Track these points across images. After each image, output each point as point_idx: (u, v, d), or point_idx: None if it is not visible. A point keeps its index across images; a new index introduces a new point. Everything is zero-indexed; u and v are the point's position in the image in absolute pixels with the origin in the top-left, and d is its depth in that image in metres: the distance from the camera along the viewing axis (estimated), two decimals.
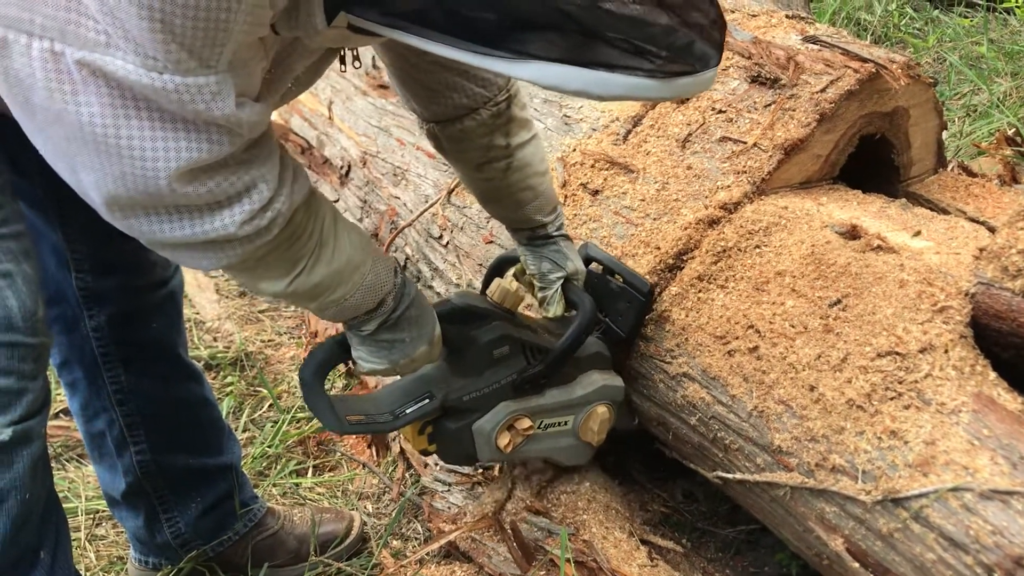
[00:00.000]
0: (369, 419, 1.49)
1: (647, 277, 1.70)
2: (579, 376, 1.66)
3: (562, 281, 1.66)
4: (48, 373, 1.29)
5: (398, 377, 1.55)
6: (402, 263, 2.27)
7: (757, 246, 1.65)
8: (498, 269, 1.76)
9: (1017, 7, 4.13)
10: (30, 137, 1.02)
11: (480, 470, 1.82)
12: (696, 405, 1.59)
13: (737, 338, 1.56)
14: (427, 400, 1.53)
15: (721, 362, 1.56)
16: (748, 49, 1.88)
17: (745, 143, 1.78)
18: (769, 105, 1.80)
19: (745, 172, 1.75)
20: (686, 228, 1.72)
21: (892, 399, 1.37)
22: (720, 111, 1.86)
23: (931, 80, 1.88)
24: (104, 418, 1.63)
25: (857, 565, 1.37)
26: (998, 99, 3.41)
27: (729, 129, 1.82)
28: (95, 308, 1.55)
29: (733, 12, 2.05)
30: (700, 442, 1.61)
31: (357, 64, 1.31)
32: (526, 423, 1.60)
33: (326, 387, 1.46)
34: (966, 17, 4.48)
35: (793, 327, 1.51)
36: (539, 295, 1.69)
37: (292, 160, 1.17)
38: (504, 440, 1.59)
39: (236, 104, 0.99)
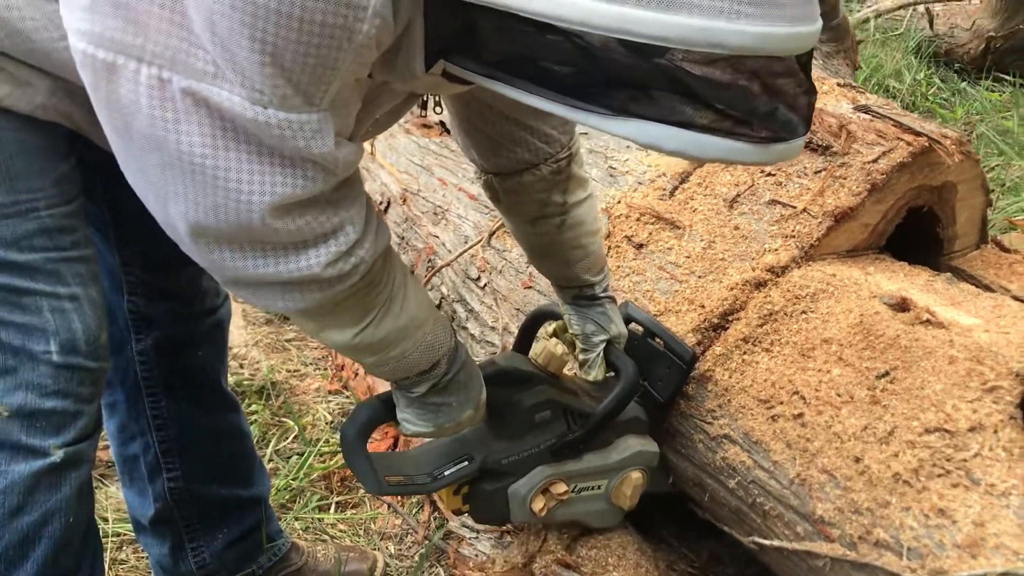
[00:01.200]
0: (408, 480, 1.48)
1: (690, 335, 1.70)
2: (616, 440, 1.65)
3: (605, 344, 1.66)
4: None
5: None
6: (437, 302, 2.27)
7: (804, 312, 1.65)
8: (535, 322, 1.75)
9: None
10: (122, 164, 1.02)
11: None
12: (736, 468, 1.58)
13: (781, 403, 1.55)
14: (466, 463, 1.52)
15: (764, 426, 1.56)
16: None
17: (794, 207, 1.79)
18: (820, 172, 1.81)
19: (793, 236, 1.76)
20: (732, 288, 1.73)
21: (940, 476, 1.36)
22: (769, 174, 1.87)
23: (978, 157, 1.89)
24: (140, 442, 1.62)
25: None
26: None
27: (778, 192, 1.83)
28: (143, 332, 1.55)
29: None
30: (738, 506, 1.60)
31: (438, 110, 1.32)
32: (562, 488, 1.60)
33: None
34: (994, 91, 4.52)
35: (839, 396, 1.51)
36: (580, 356, 1.68)
37: (376, 209, 1.18)
38: (539, 504, 1.58)
39: (335, 144, 1.00)
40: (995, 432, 1.38)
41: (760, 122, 0.94)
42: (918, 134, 1.78)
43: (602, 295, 1.66)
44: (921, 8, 5.06)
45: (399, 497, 2.06)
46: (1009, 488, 1.31)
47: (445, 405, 1.37)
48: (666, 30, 0.86)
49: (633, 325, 1.73)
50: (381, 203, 2.57)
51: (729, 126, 0.92)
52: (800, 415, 1.53)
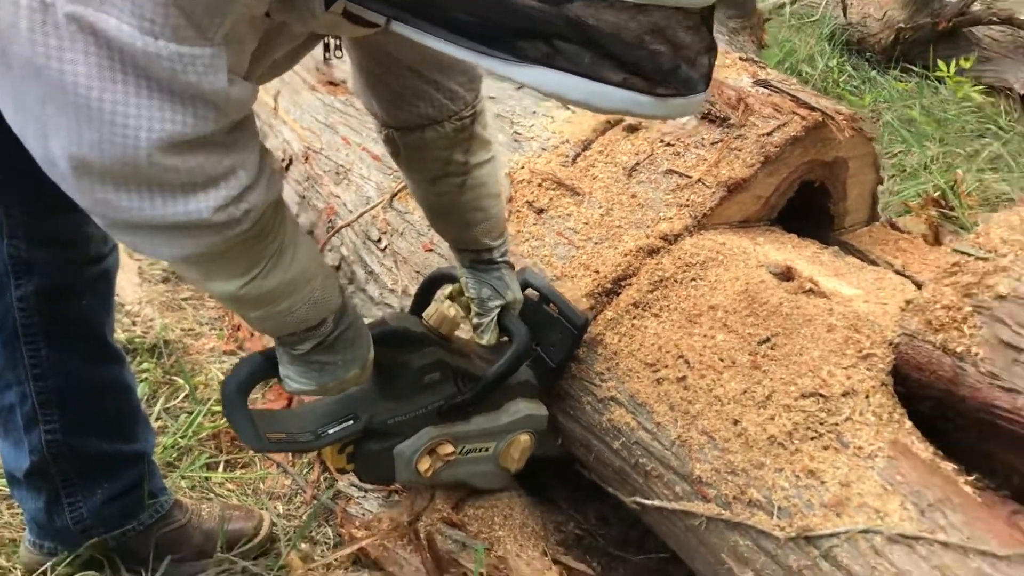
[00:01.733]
0: (290, 438, 1.46)
1: (584, 300, 1.72)
2: (505, 404, 1.66)
3: (500, 309, 1.65)
4: None
5: None
6: (337, 263, 2.24)
7: (693, 279, 1.68)
8: (432, 284, 1.74)
9: (948, 77, 4.30)
10: None
11: None
12: (621, 429, 1.60)
13: (667, 367, 1.58)
14: (351, 421, 1.50)
15: (649, 389, 1.58)
16: None
17: (690, 177, 1.81)
18: (716, 143, 1.83)
19: (688, 206, 1.78)
20: (626, 255, 1.74)
21: (812, 439, 1.40)
22: (668, 144, 1.89)
23: (872, 135, 1.94)
24: (16, 391, 1.56)
25: None
26: (926, 162, 3.55)
27: (676, 162, 1.85)
28: (23, 278, 1.48)
29: None
30: (621, 466, 1.62)
31: (339, 54, 1.29)
32: (448, 449, 1.59)
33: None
34: (901, 81, 4.65)
35: (722, 360, 1.54)
36: (475, 320, 1.67)
37: (270, 155, 1.14)
38: (424, 464, 1.57)
39: (227, 79, 0.96)
40: (867, 397, 1.42)
41: (661, 75, 0.95)
42: (813, 109, 1.81)
43: (500, 260, 1.66)
44: None
45: (289, 458, 2.03)
46: (875, 451, 1.36)
47: (330, 363, 1.35)
48: None
49: (529, 291, 1.73)
50: (283, 160, 2.52)
51: (630, 78, 0.93)
52: (684, 378, 1.55)
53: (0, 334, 1.53)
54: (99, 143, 0.95)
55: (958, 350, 1.39)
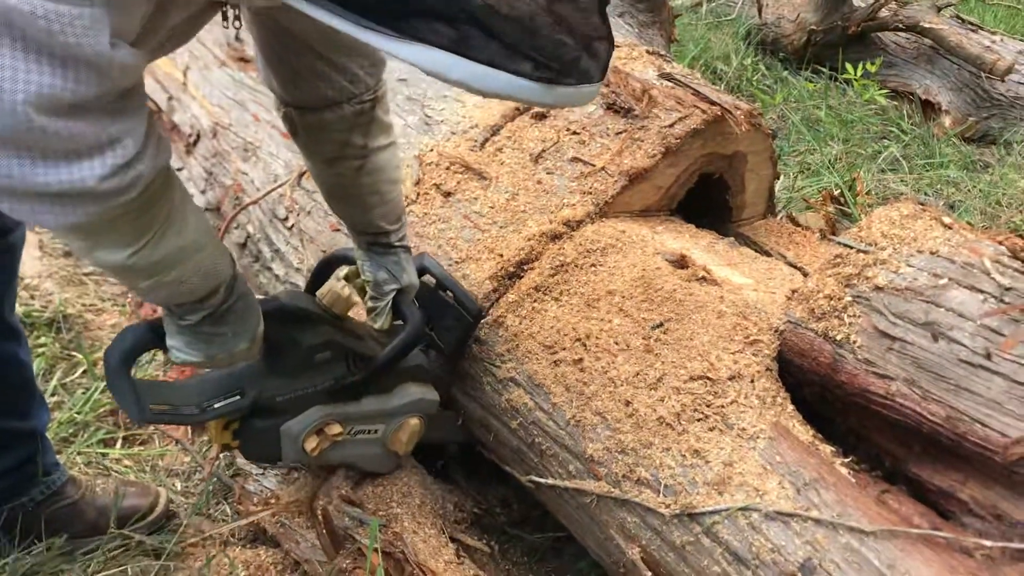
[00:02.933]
0: (173, 410, 1.43)
1: (487, 282, 1.74)
2: (396, 387, 1.66)
3: (395, 293, 1.64)
4: None
5: None
6: (243, 241, 2.22)
7: (593, 264, 1.72)
8: (329, 265, 1.72)
9: (855, 80, 4.45)
10: None
11: None
12: (519, 410, 1.63)
13: (564, 349, 1.62)
14: (238, 397, 1.48)
15: (547, 370, 1.62)
16: (607, 77, 1.96)
17: (594, 166, 1.85)
18: (620, 133, 1.88)
19: (590, 193, 1.82)
20: (529, 239, 1.77)
21: (699, 420, 1.46)
22: (575, 132, 1.92)
23: (770, 131, 2.01)
24: None
25: (650, 574, 1.44)
26: (829, 160, 3.67)
27: (581, 151, 1.89)
28: None
29: None
30: (519, 446, 1.66)
31: (238, 24, 1.28)
32: (336, 429, 1.59)
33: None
34: (811, 82, 4.79)
35: (617, 344, 1.58)
36: (369, 303, 1.66)
37: (159, 124, 1.12)
38: (311, 444, 1.57)
39: (110, 44, 0.93)
40: (752, 381, 1.48)
41: (547, 61, 0.93)
42: (713, 103, 1.87)
43: (397, 244, 1.65)
44: None
45: (188, 434, 2.01)
46: (757, 432, 1.42)
47: (219, 335, 1.34)
48: None
49: (427, 277, 1.74)
50: (190, 136, 2.49)
51: (515, 62, 0.91)
52: (580, 360, 1.59)
53: None
54: None
55: (838, 338, 1.46)
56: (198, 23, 1.25)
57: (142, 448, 2.02)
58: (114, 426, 2.06)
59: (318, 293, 1.57)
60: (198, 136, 2.48)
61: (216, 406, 1.46)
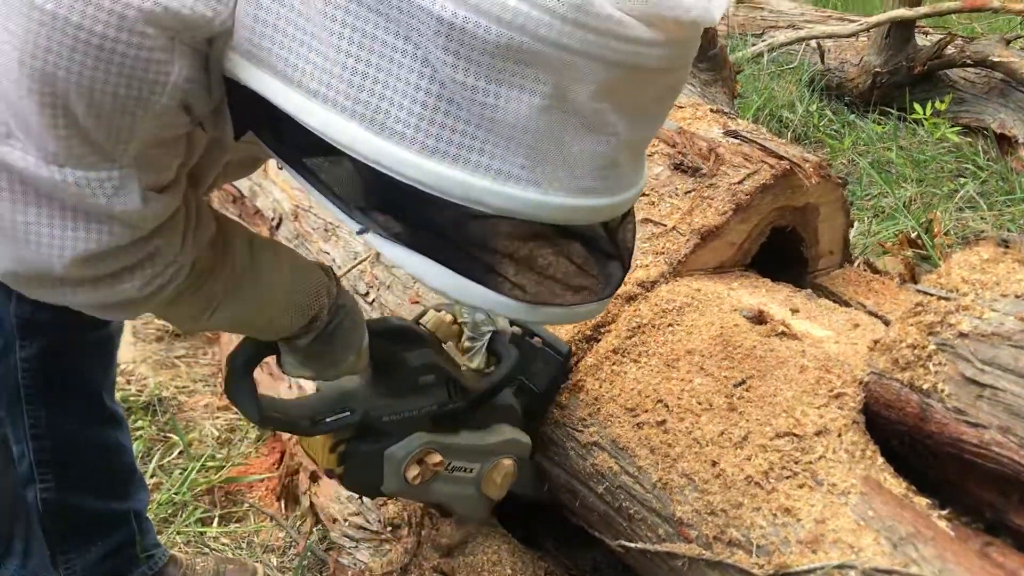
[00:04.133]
0: (288, 419, 1.47)
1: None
2: (491, 424, 1.67)
3: (491, 333, 1.67)
4: None
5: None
6: None
7: (670, 324, 1.73)
8: (422, 315, 1.73)
9: (926, 119, 4.40)
10: None
11: (388, 528, 1.83)
12: (604, 474, 1.64)
13: (646, 411, 1.62)
14: (347, 413, 1.50)
15: (630, 433, 1.62)
16: (673, 138, 1.99)
17: (665, 226, 1.87)
18: (690, 192, 1.90)
19: (663, 253, 1.84)
20: None
21: (788, 478, 1.44)
22: (643, 194, 1.95)
23: (840, 180, 2.01)
24: (16, 450, 1.60)
25: None
26: (904, 203, 3.62)
27: (651, 212, 1.92)
28: (29, 339, 1.53)
29: None
30: (606, 511, 1.66)
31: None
32: (437, 458, 1.58)
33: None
34: (879, 123, 4.75)
35: (700, 404, 1.58)
36: (466, 343, 1.68)
37: (194, 202, 1.13)
38: (413, 472, 1.56)
39: (141, 199, 0.97)
40: (839, 436, 1.47)
41: (530, 283, 0.91)
42: (781, 157, 1.88)
43: None
44: (813, 43, 5.29)
45: (283, 510, 2.06)
46: (848, 487, 1.40)
47: (328, 352, 1.37)
48: (424, 175, 0.84)
49: (514, 327, 1.76)
50: (273, 219, 2.59)
51: (495, 278, 0.90)
52: (663, 422, 1.60)
53: (3, 393, 1.58)
54: (19, 259, 0.99)
55: (924, 387, 1.44)
56: (256, 161, 1.32)
57: (238, 525, 2.07)
58: (211, 505, 2.12)
59: (422, 319, 1.62)
60: (280, 219, 2.58)
61: (327, 420, 1.48)
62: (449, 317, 1.60)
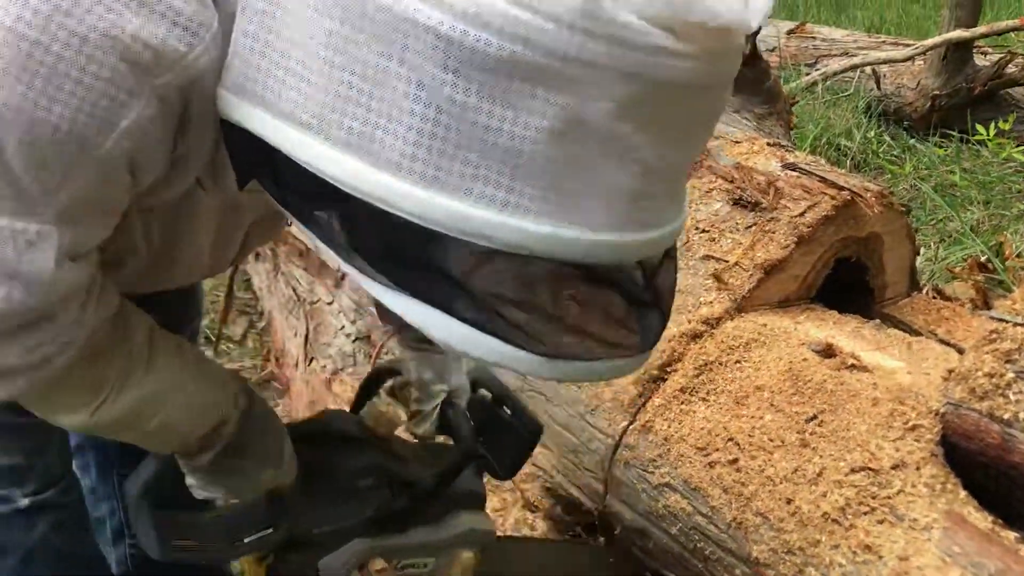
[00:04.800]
0: (200, 546, 1.29)
1: (631, 387, 1.76)
2: (446, 515, 1.47)
3: (443, 396, 1.45)
4: None
5: None
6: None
7: (738, 361, 1.71)
8: (377, 378, 1.52)
9: (989, 140, 4.32)
10: None
11: None
12: (677, 515, 1.62)
13: (717, 450, 1.61)
14: (271, 530, 1.29)
15: (702, 473, 1.61)
16: (731, 174, 1.99)
17: (727, 261, 1.86)
18: (750, 227, 1.89)
19: (727, 289, 1.83)
20: (670, 341, 1.79)
21: (866, 514, 1.41)
22: (703, 231, 1.95)
23: (904, 208, 1.98)
24: (107, 506, 1.65)
25: None
26: (971, 226, 3.55)
27: (712, 248, 1.91)
28: None
29: (717, 139, 2.16)
30: (680, 552, 1.64)
31: None
32: (379, 564, 1.40)
33: None
34: (940, 147, 4.67)
35: (771, 441, 1.56)
36: (413, 406, 1.45)
37: (99, 274, 0.99)
38: None
39: (55, 262, 0.86)
40: (917, 469, 1.43)
41: (550, 333, 0.79)
42: (841, 188, 1.86)
43: None
44: (868, 70, 5.24)
45: None
46: (931, 522, 1.36)
47: (239, 467, 1.20)
48: (422, 208, 0.74)
49: (482, 391, 1.53)
50: (339, 270, 2.64)
51: (506, 327, 0.78)
52: (735, 460, 1.58)
53: (94, 450, 1.63)
54: None
55: (1005, 416, 1.40)
56: (277, 224, 1.26)
57: None
58: None
59: (362, 412, 1.45)
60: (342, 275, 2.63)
61: (247, 540, 1.28)
62: (390, 408, 1.41)
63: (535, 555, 1.77)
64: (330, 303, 2.62)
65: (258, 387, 2.82)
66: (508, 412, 1.49)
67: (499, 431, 1.49)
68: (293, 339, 2.67)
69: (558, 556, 1.81)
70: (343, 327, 2.49)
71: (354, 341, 2.44)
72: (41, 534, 1.30)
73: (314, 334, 2.57)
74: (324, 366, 2.47)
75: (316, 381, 2.47)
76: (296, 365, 2.61)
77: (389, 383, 1.49)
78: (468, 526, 1.48)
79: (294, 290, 2.70)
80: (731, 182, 1.97)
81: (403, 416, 1.43)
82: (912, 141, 4.89)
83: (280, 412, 2.68)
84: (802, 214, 1.85)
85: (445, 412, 1.45)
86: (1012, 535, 1.36)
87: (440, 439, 1.51)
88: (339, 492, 1.36)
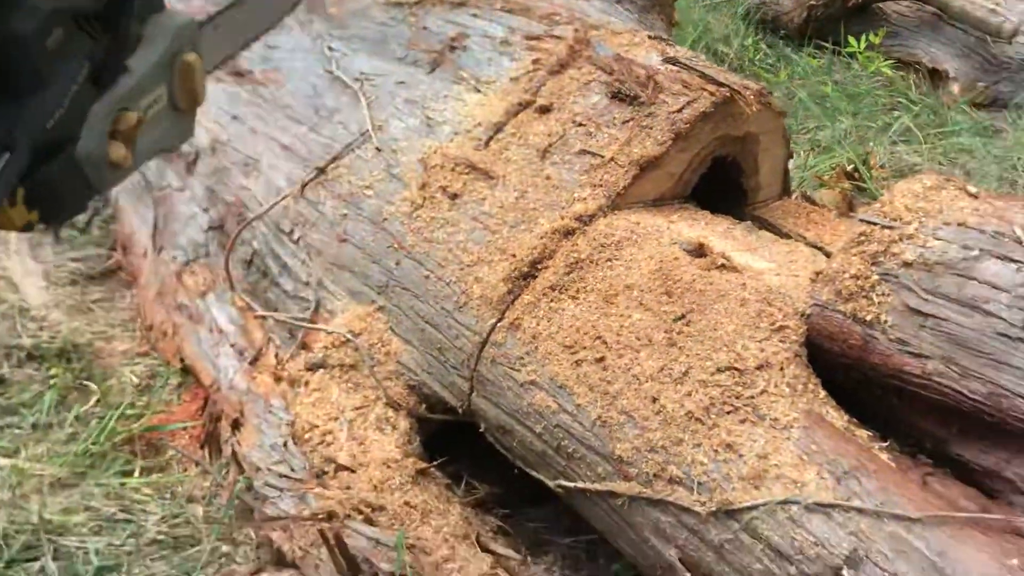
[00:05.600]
0: None
1: (501, 284, 1.71)
2: (146, 29, 1.25)
3: None
4: None
5: None
6: (249, 258, 2.18)
7: (609, 259, 1.67)
8: None
9: (860, 53, 4.38)
10: None
11: (314, 476, 1.75)
12: (542, 413, 1.59)
13: (585, 348, 1.57)
14: (8, 153, 1.08)
15: (569, 371, 1.57)
16: (610, 65, 1.91)
17: (603, 157, 1.80)
18: (628, 121, 1.82)
19: (601, 186, 1.77)
20: (542, 237, 1.73)
21: (729, 413, 1.41)
22: (580, 124, 1.87)
23: (781, 110, 1.96)
24: None
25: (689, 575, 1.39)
26: (840, 136, 3.61)
27: (588, 142, 1.84)
28: None
29: (598, 28, 2.07)
30: (544, 450, 1.61)
31: None
32: (133, 118, 1.21)
33: None
34: (814, 57, 4.72)
35: (639, 339, 1.53)
36: None
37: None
38: (119, 153, 1.19)
39: None
40: (781, 369, 1.43)
41: None
42: (721, 84, 1.81)
43: None
44: None
45: (207, 457, 1.98)
46: (791, 421, 1.37)
47: None
48: None
49: None
50: (190, 155, 2.45)
51: None
52: (602, 359, 1.55)
53: None
54: None
55: (867, 318, 1.41)
56: None
57: (161, 475, 1.98)
58: (131, 454, 2.02)
59: None
60: (197, 155, 2.44)
61: None
62: None
63: None
64: (181, 190, 2.43)
65: (104, 277, 2.64)
66: None
67: None
68: (141, 227, 2.48)
69: None
70: (194, 215, 2.32)
71: (207, 231, 2.28)
72: None
73: (163, 222, 2.39)
74: (174, 256, 2.31)
75: (165, 272, 2.31)
76: (144, 255, 2.43)
77: None
78: (172, 24, 1.26)
79: (143, 175, 2.49)
80: (610, 74, 1.89)
81: None
82: (787, 50, 4.92)
83: (128, 305, 2.52)
84: (680, 110, 1.80)
85: None
86: (866, 433, 1.39)
87: None
88: (39, 67, 1.11)
